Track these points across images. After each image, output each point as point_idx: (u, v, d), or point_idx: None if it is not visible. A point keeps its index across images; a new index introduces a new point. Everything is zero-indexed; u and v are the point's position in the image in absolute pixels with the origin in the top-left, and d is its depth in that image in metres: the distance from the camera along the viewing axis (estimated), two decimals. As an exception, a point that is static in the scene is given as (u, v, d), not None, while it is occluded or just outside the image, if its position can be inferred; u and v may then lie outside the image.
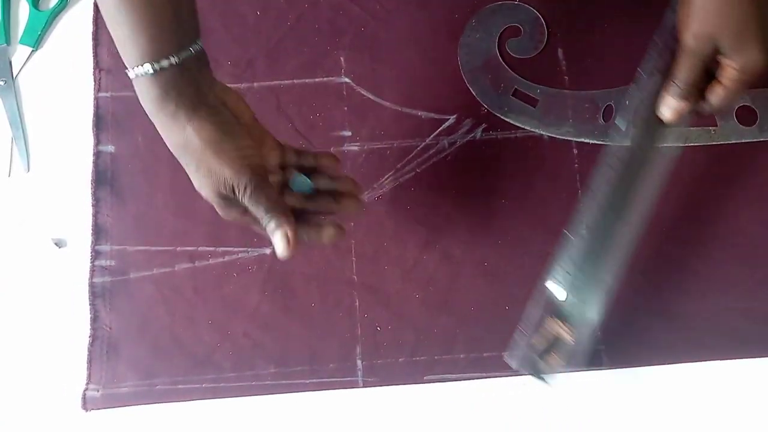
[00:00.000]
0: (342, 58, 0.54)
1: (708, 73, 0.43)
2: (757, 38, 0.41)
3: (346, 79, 0.54)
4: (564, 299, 0.44)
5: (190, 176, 0.41)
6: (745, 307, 0.48)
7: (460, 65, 0.54)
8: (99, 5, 0.40)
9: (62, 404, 0.49)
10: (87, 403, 0.49)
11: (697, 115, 0.44)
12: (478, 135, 0.53)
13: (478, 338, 0.49)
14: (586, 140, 0.52)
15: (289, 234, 0.40)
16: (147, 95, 0.40)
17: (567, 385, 0.48)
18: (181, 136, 0.40)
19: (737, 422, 0.47)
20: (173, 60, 0.39)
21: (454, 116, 0.53)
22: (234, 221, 0.43)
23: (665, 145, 0.50)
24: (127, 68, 0.40)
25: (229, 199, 0.41)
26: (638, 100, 0.45)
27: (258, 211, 0.40)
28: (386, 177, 0.52)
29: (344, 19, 0.55)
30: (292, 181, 0.44)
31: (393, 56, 0.55)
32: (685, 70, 0.42)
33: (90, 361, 0.50)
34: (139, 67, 0.39)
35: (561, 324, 0.45)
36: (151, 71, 0.39)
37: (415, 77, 0.54)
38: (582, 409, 0.48)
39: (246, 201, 0.40)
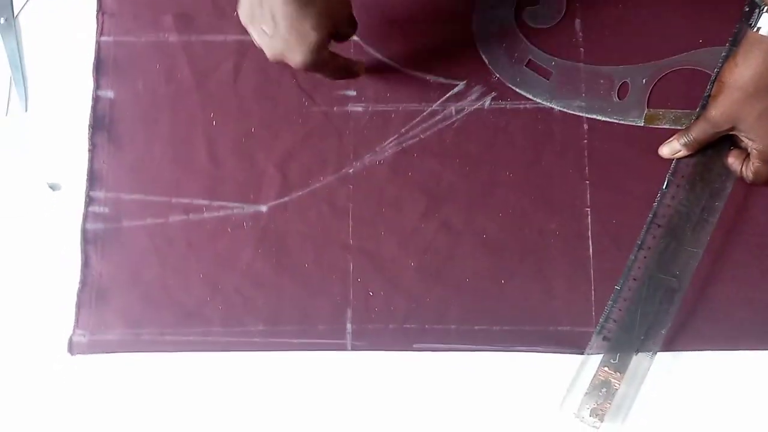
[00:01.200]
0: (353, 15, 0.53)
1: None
2: None
3: (356, 38, 0.52)
4: (611, 350, 0.45)
5: (294, 21, 0.42)
6: (747, 298, 0.47)
7: (474, 30, 0.52)
8: None
9: (48, 347, 0.49)
10: (73, 348, 0.49)
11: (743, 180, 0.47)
12: (487, 103, 0.51)
13: (470, 310, 0.48)
14: (598, 117, 0.51)
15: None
16: None
17: (558, 369, 0.47)
18: None
19: (733, 413, 0.46)
20: None
21: (464, 82, 0.51)
22: (322, 66, 0.44)
23: (679, 127, 0.49)
24: None
25: (334, 37, 0.45)
26: (688, 164, 0.48)
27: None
28: (389, 141, 0.51)
29: (357, -25, 0.54)
30: None
31: (405, 17, 0.53)
32: (698, 131, 0.47)
33: (78, 307, 0.50)
34: None
35: (610, 371, 0.45)
36: None
37: (427, 40, 0.52)
38: (568, 389, 0.47)
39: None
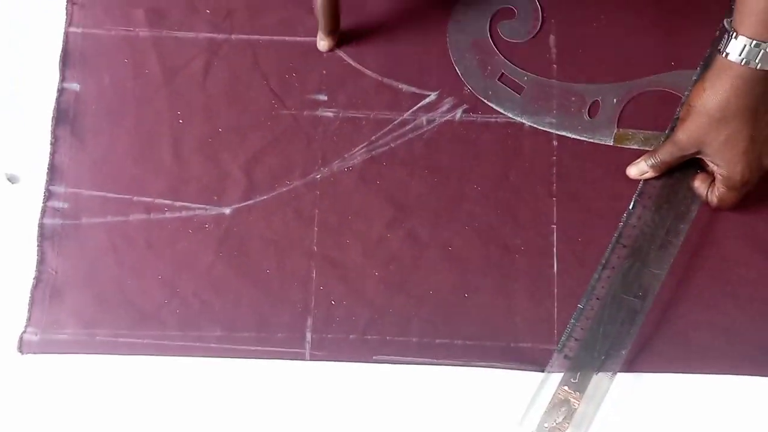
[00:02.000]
0: (327, 20, 0.52)
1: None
2: (743, 154, 0.44)
3: (329, 44, 0.52)
4: (572, 368, 0.45)
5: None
6: (708, 321, 0.48)
7: (448, 41, 0.52)
8: None
9: (-2, 345, 0.48)
10: (23, 346, 0.47)
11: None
12: (458, 116, 0.51)
13: (432, 323, 0.48)
14: (568, 134, 0.50)
15: None
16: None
17: (518, 386, 0.47)
18: None
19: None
20: None
21: (436, 93, 0.51)
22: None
23: (648, 148, 0.50)
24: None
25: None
26: (654, 186, 0.48)
27: None
28: (359, 148, 0.51)
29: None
30: None
31: (380, 23, 0.52)
32: (665, 153, 0.47)
33: (31, 304, 0.48)
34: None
35: (569, 391, 0.45)
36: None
37: (400, 48, 0.52)
38: (527, 407, 0.47)
39: None
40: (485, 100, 0.51)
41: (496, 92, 0.51)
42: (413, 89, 0.51)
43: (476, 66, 0.52)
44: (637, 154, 0.49)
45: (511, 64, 0.52)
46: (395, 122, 0.51)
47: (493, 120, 0.51)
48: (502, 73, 0.51)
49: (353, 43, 0.52)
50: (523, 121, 0.51)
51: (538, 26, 0.52)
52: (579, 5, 0.52)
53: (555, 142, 0.50)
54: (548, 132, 0.51)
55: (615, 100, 0.51)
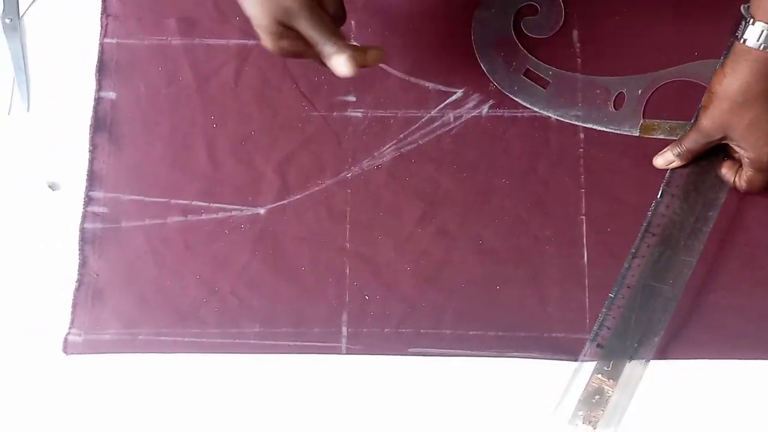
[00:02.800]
0: (353, 22, 0.53)
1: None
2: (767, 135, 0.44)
3: (355, 43, 0.53)
4: (605, 357, 0.46)
5: (245, 5, 0.41)
6: (740, 306, 0.48)
7: (473, 39, 0.53)
8: None
9: (44, 346, 0.49)
10: (68, 347, 0.49)
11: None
12: (485, 111, 0.52)
13: (465, 315, 0.48)
14: (594, 126, 0.51)
15: (348, 54, 0.41)
16: None
17: (551, 375, 0.47)
18: None
19: (725, 422, 0.46)
20: None
21: (462, 90, 0.52)
22: (281, 53, 0.43)
23: (674, 138, 0.50)
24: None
25: (282, 27, 0.41)
26: (682, 174, 0.49)
27: (315, 36, 0.41)
28: (388, 146, 0.52)
29: (358, -19, 0.54)
30: None
31: (404, 23, 0.53)
32: (690, 141, 0.48)
33: (74, 306, 0.50)
34: None
35: (603, 378, 0.46)
36: None
37: (426, 47, 0.53)
38: (561, 396, 0.47)
39: (303, 26, 0.41)
40: (511, 95, 0.52)
41: (522, 87, 0.52)
42: (439, 87, 0.52)
43: (501, 62, 0.52)
44: (663, 144, 0.50)
45: (535, 59, 0.52)
46: (423, 120, 0.52)
47: (519, 114, 0.52)
48: (527, 69, 0.52)
49: (379, 44, 0.53)
50: (549, 114, 0.51)
51: (561, 21, 0.53)
52: (600, 0, 0.53)
53: (581, 135, 0.51)
54: (575, 125, 0.51)
55: (639, 91, 0.51)
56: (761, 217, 0.49)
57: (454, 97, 0.52)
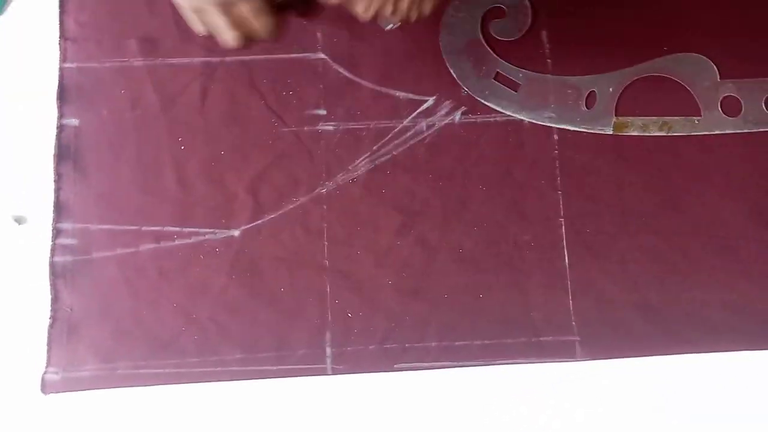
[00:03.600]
0: (319, 34, 0.52)
1: None
2: None
3: (323, 56, 0.52)
4: None
5: None
6: (723, 300, 0.48)
7: (441, 46, 0.52)
8: None
9: (21, 388, 0.48)
10: (46, 387, 0.48)
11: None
12: (457, 118, 0.51)
13: (450, 326, 0.48)
14: (568, 127, 0.51)
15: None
16: None
17: (541, 376, 0.47)
18: None
19: (713, 415, 0.47)
20: None
21: (433, 98, 0.51)
22: (204, 29, 0.40)
23: (647, 134, 0.50)
24: None
25: None
26: None
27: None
28: (361, 159, 0.51)
29: (322, -7, 0.53)
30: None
31: (372, 33, 0.52)
32: None
33: (50, 344, 0.48)
34: None
35: None
36: None
37: (394, 56, 0.52)
38: (556, 399, 0.47)
39: None
40: (482, 100, 0.51)
41: (493, 91, 0.51)
42: (410, 96, 0.51)
43: (471, 67, 0.52)
44: (636, 141, 0.50)
45: (505, 62, 0.52)
46: (395, 130, 0.51)
47: (492, 119, 0.51)
48: (498, 72, 0.52)
49: (347, 55, 0.52)
50: (522, 117, 0.51)
51: (529, 23, 0.52)
52: (567, 0, 0.53)
53: (555, 137, 0.51)
54: (548, 127, 0.51)
55: (610, 89, 0.51)
56: (738, 209, 0.49)
57: (425, 105, 0.51)
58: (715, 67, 0.51)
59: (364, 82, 0.52)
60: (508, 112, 0.51)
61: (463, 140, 0.51)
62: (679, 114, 0.51)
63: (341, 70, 0.52)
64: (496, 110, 0.51)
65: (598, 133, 0.51)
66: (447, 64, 0.52)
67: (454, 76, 0.52)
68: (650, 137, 0.50)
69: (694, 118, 0.51)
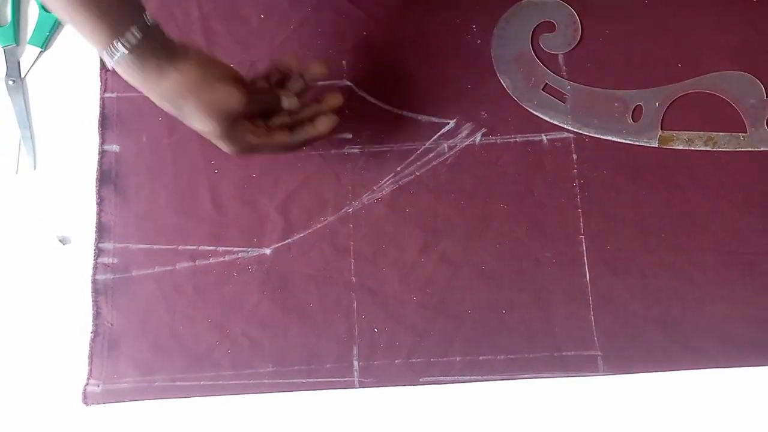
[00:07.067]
0: (344, 62, 0.55)
1: None
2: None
3: (348, 83, 0.54)
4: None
5: (190, 118, 0.44)
6: (743, 315, 0.48)
7: (493, 56, 0.54)
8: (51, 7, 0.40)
9: (63, 399, 0.50)
10: (87, 398, 0.50)
11: None
12: (478, 139, 0.53)
13: (474, 341, 0.49)
14: (614, 138, 0.52)
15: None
16: (130, 72, 0.42)
17: (563, 391, 0.48)
18: (171, 79, 0.42)
19: (734, 431, 0.47)
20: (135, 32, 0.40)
21: (454, 120, 0.53)
22: (242, 149, 0.46)
23: (693, 148, 0.51)
24: (102, 54, 0.42)
25: (236, 116, 0.43)
26: None
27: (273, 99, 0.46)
28: (386, 179, 0.53)
29: (347, 23, 0.56)
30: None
31: (394, 60, 0.55)
32: None
33: (91, 357, 0.51)
34: (112, 48, 0.40)
35: None
36: (125, 50, 0.40)
37: (416, 81, 0.54)
38: (578, 415, 0.48)
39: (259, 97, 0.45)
40: (532, 111, 0.53)
41: (542, 102, 0.53)
42: (432, 119, 0.53)
43: (520, 78, 0.53)
44: (656, 158, 0.51)
45: (554, 74, 0.53)
46: (418, 152, 0.53)
47: (512, 140, 0.53)
48: (546, 84, 0.53)
49: (371, 82, 0.54)
50: (569, 128, 0.52)
51: (579, 37, 0.54)
52: (616, 15, 0.54)
53: (574, 155, 0.52)
54: (567, 146, 0.52)
55: (657, 103, 0.52)
56: (757, 224, 0.50)
57: (446, 128, 0.53)
58: (761, 85, 0.52)
59: (387, 107, 0.54)
60: (555, 122, 0.52)
61: (483, 160, 0.52)
62: (724, 130, 0.52)
63: (365, 95, 0.54)
64: (516, 131, 0.53)
65: (616, 153, 0.52)
66: (497, 74, 0.54)
67: (504, 86, 0.53)
68: (669, 155, 0.51)
69: (740, 134, 0.52)
